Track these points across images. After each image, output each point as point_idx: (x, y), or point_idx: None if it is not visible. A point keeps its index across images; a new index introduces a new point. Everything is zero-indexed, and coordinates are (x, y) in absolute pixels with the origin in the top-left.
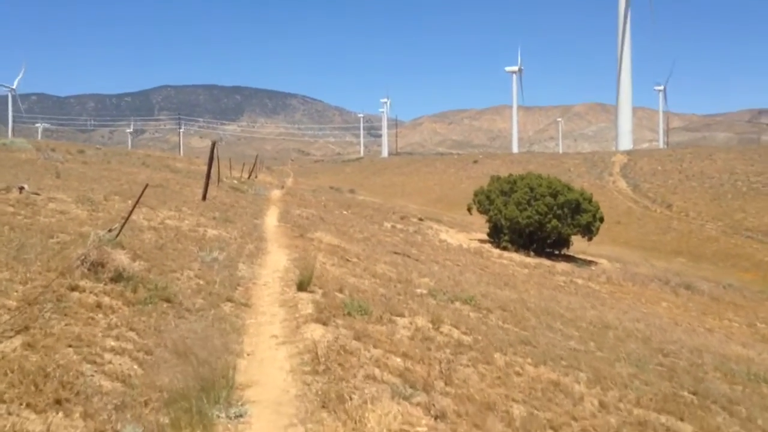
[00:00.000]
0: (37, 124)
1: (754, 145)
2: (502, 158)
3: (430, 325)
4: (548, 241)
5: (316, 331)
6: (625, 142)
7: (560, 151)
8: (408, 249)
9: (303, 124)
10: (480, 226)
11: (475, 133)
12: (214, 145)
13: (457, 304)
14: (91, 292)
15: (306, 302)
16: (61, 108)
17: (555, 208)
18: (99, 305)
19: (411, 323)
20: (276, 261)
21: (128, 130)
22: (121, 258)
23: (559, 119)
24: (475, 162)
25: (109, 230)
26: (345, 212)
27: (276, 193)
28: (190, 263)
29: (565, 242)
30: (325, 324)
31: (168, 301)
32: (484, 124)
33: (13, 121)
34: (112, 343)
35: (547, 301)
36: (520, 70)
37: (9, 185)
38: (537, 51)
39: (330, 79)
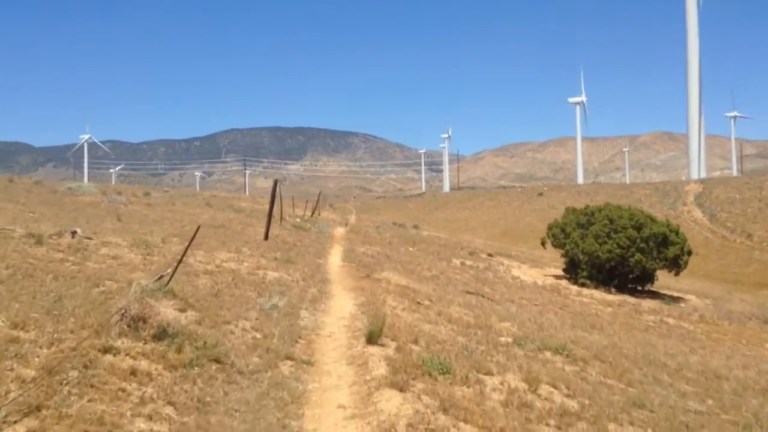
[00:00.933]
0: (110, 170)
1: None
2: (567, 190)
3: (525, 386)
4: (630, 276)
5: (392, 401)
6: (698, 171)
7: (627, 182)
8: (481, 287)
9: (364, 162)
10: (553, 261)
11: (538, 166)
12: (276, 183)
13: (548, 354)
14: (127, 354)
15: (377, 359)
16: (134, 154)
17: (638, 241)
18: (134, 371)
19: (502, 383)
20: (341, 306)
21: (197, 173)
22: (166, 311)
23: (626, 149)
24: (540, 195)
25: (160, 277)
26: (411, 249)
27: (339, 231)
28: (247, 312)
29: (650, 277)
30: (402, 390)
31: (218, 361)
32: (547, 157)
33: (89, 168)
34: (142, 426)
35: (642, 345)
36: (583, 100)
37: (62, 230)
38: (600, 81)
39: (390, 117)
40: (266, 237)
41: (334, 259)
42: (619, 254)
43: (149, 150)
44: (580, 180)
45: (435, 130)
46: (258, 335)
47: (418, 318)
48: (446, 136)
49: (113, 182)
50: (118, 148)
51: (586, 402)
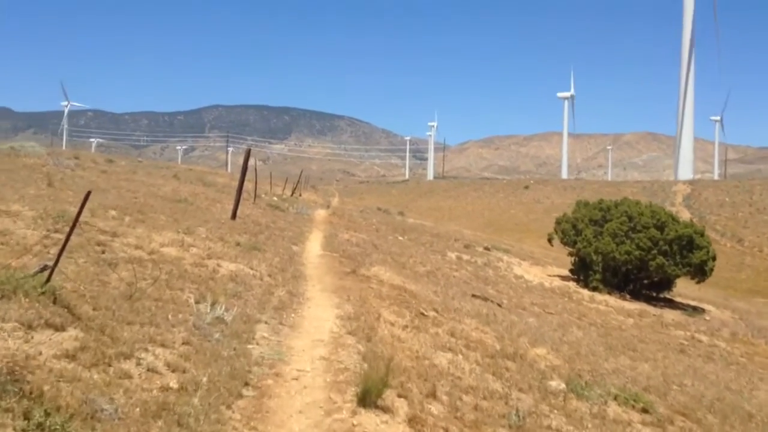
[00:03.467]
0: (91, 139)
1: None
2: (553, 184)
3: None
4: (645, 281)
5: None
6: (686, 172)
7: (609, 179)
8: (485, 289)
9: (349, 146)
10: (548, 257)
11: (522, 159)
12: (248, 153)
13: (616, 406)
14: None
15: None
16: (116, 124)
17: (661, 243)
18: None
19: None
20: (319, 319)
21: (179, 147)
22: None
23: (609, 147)
24: (526, 188)
25: (43, 267)
26: (400, 238)
27: (321, 214)
28: (171, 331)
29: (668, 284)
30: None
31: None
32: (531, 151)
33: (69, 136)
34: None
35: (699, 379)
36: (572, 96)
37: None
38: (587, 78)
39: (377, 102)
40: (234, 216)
41: (313, 246)
42: (638, 257)
43: (132, 121)
44: (565, 175)
45: (421, 118)
46: (173, 382)
47: (426, 342)
48: (433, 124)
49: (93, 152)
50: (100, 118)
51: None
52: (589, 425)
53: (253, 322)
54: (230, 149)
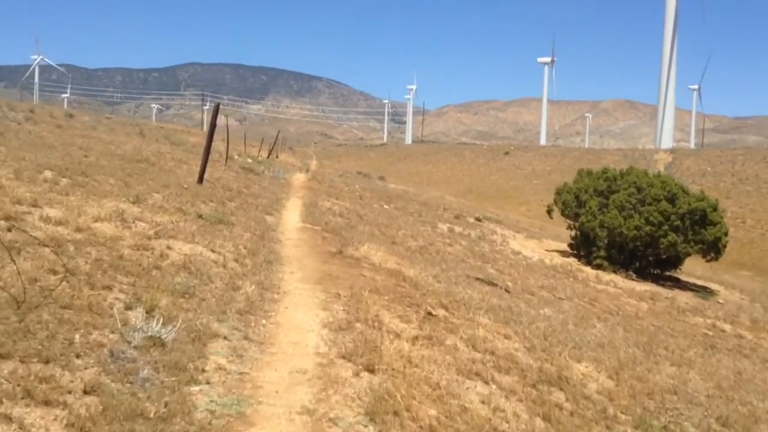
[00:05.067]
0: (63, 95)
1: None
2: (534, 151)
3: None
4: (650, 258)
5: None
6: (666, 141)
7: (586, 146)
8: (485, 269)
9: (327, 107)
10: (541, 229)
11: (500, 125)
12: (216, 108)
13: None
14: None
15: None
16: (89, 80)
17: (673, 217)
18: None
19: None
20: (298, 330)
21: (153, 105)
22: None
23: (588, 114)
24: (506, 153)
25: None
26: (386, 206)
27: (299, 178)
28: (72, 363)
29: (677, 262)
30: None
31: None
32: (509, 116)
33: (40, 91)
34: None
35: (755, 391)
36: (553, 61)
37: None
38: (565, 45)
39: (357, 64)
40: (200, 180)
41: (291, 216)
42: (648, 232)
43: (105, 77)
44: (543, 142)
45: (400, 82)
46: None
47: (446, 363)
48: (412, 87)
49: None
50: (72, 72)
51: None
52: None
53: (207, 339)
54: (206, 108)
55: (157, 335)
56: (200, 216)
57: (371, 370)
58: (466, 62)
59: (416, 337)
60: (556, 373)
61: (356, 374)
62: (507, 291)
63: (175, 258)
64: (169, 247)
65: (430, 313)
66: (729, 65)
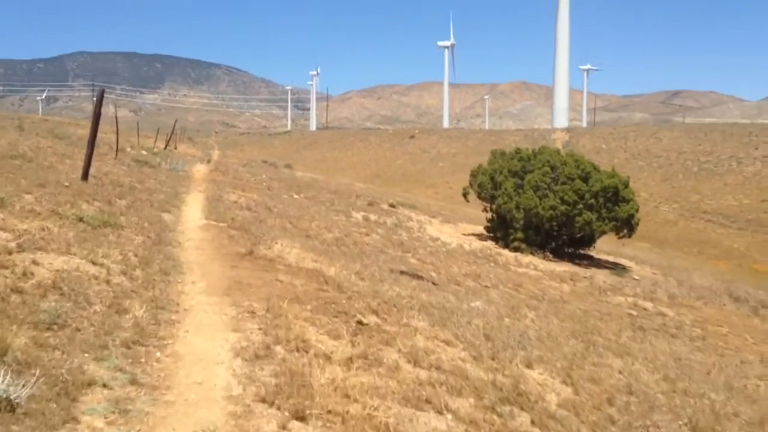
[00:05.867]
0: None
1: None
2: (438, 134)
3: None
4: (565, 238)
5: None
6: (562, 120)
7: (487, 128)
8: (406, 259)
9: (227, 96)
10: (452, 211)
11: (403, 109)
12: (100, 96)
13: None
14: None
15: None
16: None
17: (587, 196)
18: None
19: None
20: (203, 363)
21: (39, 98)
22: None
23: (486, 96)
24: (411, 137)
25: None
26: (296, 196)
27: (200, 169)
28: None
29: (590, 241)
30: None
31: None
32: (412, 100)
33: None
34: None
35: (700, 380)
36: (452, 45)
37: None
38: (463, 28)
39: (256, 51)
40: (85, 176)
41: (192, 213)
42: (563, 211)
43: None
44: (446, 124)
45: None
46: None
47: (390, 392)
48: (315, 73)
49: None
50: None
51: None
52: None
53: (79, 390)
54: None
55: (4, 395)
56: (80, 219)
57: (301, 417)
58: (369, 47)
59: (350, 359)
60: (512, 386)
61: (283, 427)
62: (434, 283)
63: (43, 276)
64: (35, 262)
65: (360, 323)
66: (616, 44)
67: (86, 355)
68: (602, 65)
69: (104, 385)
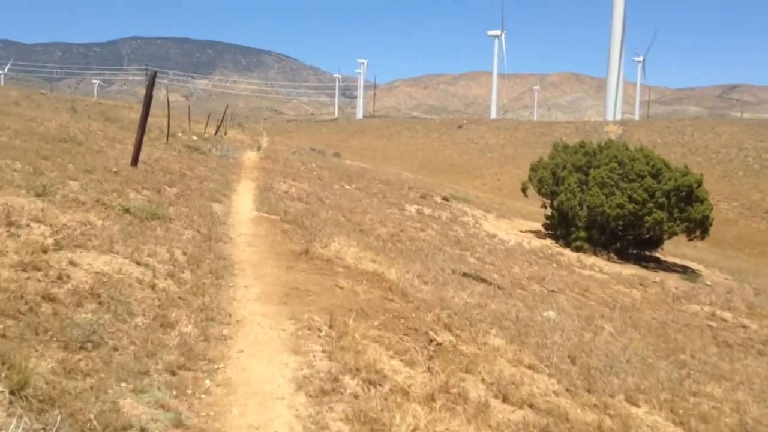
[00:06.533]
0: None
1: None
2: (486, 124)
3: None
4: (630, 238)
5: None
6: (615, 113)
7: (535, 120)
8: (465, 258)
9: (276, 82)
10: (501, 204)
11: (450, 99)
12: (152, 78)
13: None
14: None
15: None
16: (27, 55)
17: (658, 194)
18: None
19: None
20: (260, 397)
21: (95, 81)
22: None
23: (536, 87)
24: (459, 127)
25: None
26: (347, 187)
27: (250, 156)
28: None
29: (658, 242)
30: None
31: None
32: (459, 90)
33: None
34: None
35: None
36: (502, 34)
37: None
38: (514, 18)
39: (306, 38)
40: (134, 162)
41: (243, 203)
42: (632, 210)
43: (44, 53)
44: (494, 115)
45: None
46: None
47: None
48: (363, 61)
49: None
50: (9, 48)
51: None
52: None
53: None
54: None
55: None
56: (127, 210)
57: None
58: (417, 36)
59: (431, 395)
60: None
61: None
62: (499, 288)
63: (80, 280)
64: (72, 263)
65: (432, 341)
66: (669, 37)
67: (123, 384)
68: (654, 57)
69: (142, 430)
